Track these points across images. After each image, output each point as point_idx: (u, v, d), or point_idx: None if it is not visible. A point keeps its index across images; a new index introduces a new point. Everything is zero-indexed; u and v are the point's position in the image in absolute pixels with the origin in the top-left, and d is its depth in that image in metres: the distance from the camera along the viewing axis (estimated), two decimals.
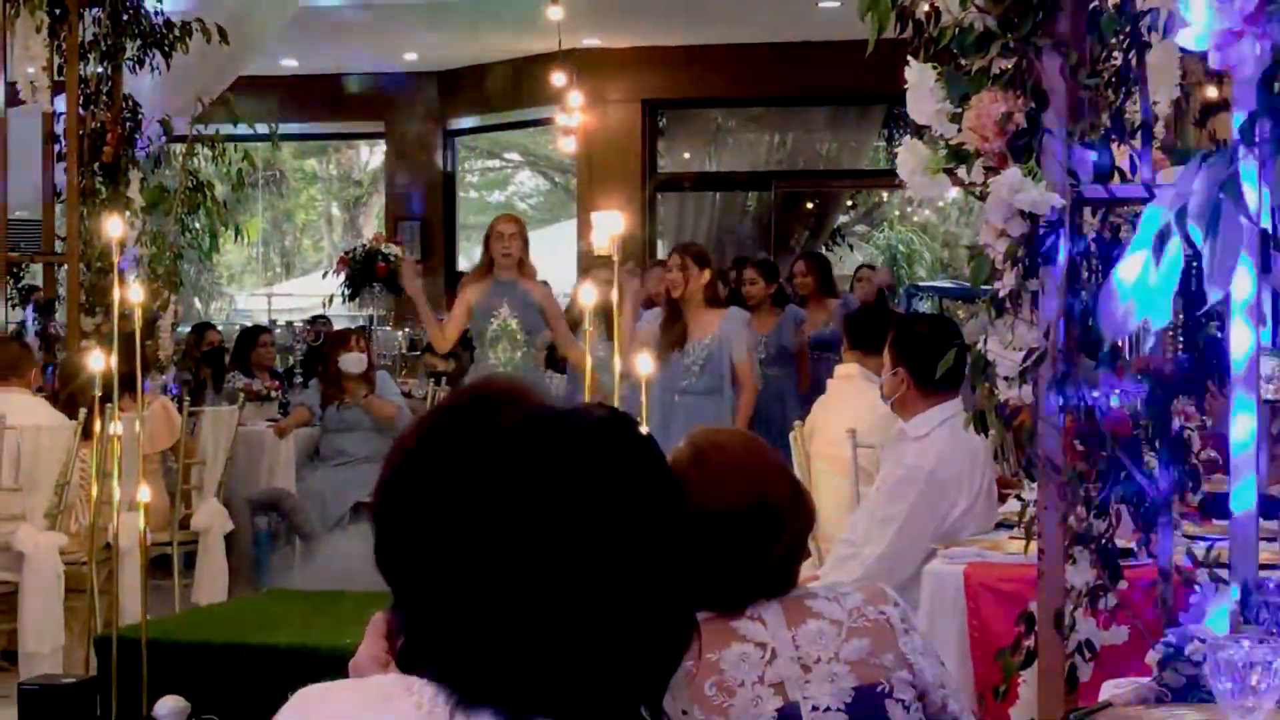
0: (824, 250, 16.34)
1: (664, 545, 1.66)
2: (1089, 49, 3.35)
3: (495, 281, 8.34)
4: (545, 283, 8.91)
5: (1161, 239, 2.47)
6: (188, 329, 12.17)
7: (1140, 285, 1.59)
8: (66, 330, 8.61)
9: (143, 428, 6.08)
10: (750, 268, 9.95)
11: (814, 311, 9.98)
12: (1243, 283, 2.82)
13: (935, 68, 3.46)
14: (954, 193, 3.59)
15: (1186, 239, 2.57)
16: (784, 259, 13.45)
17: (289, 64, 14.83)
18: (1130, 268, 1.63)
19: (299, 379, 11.85)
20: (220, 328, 13.43)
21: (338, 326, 12.83)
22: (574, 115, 11.31)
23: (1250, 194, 1.57)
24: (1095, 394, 3.32)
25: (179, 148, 9.48)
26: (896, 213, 21.37)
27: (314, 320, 14.04)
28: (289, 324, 14.77)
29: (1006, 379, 3.40)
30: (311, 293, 18.27)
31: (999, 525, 4.82)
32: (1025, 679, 3.53)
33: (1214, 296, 2.61)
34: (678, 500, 1.69)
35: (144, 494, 5.70)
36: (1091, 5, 3.36)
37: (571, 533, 1.61)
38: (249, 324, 14.27)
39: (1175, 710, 2.73)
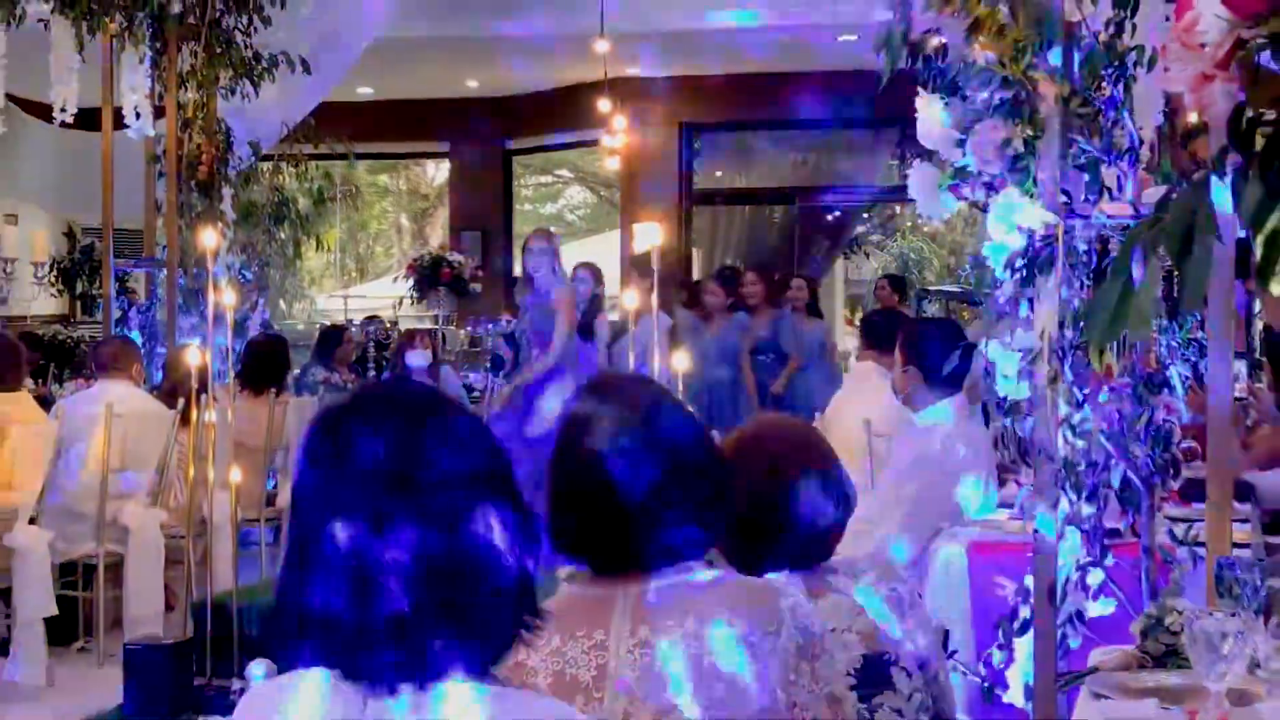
0: (842, 258, 16.32)
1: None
2: (1080, 81, 3.35)
3: None
4: None
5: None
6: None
7: (1123, 300, 1.60)
8: (166, 329, 8.69)
9: (233, 416, 6.14)
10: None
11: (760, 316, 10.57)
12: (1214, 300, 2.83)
13: (942, 98, 3.47)
14: (959, 205, 3.60)
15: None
16: (802, 266, 13.53)
17: (365, 91, 14.89)
18: (1113, 284, 1.64)
19: (371, 372, 11.90)
20: (302, 326, 13.44)
21: (406, 326, 12.88)
22: (618, 137, 11.34)
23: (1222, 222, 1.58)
24: (1085, 390, 3.33)
25: (267, 166, 9.56)
26: (909, 224, 21.29)
27: (366, 320, 14.01)
28: (358, 322, 14.80)
29: (1006, 376, 3.41)
30: (383, 295, 18.33)
31: (999, 506, 4.81)
32: (1021, 645, 3.54)
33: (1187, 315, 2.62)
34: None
35: (235, 475, 5.76)
36: (1084, 42, 3.36)
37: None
38: (327, 323, 14.31)
39: (1156, 675, 2.73)
